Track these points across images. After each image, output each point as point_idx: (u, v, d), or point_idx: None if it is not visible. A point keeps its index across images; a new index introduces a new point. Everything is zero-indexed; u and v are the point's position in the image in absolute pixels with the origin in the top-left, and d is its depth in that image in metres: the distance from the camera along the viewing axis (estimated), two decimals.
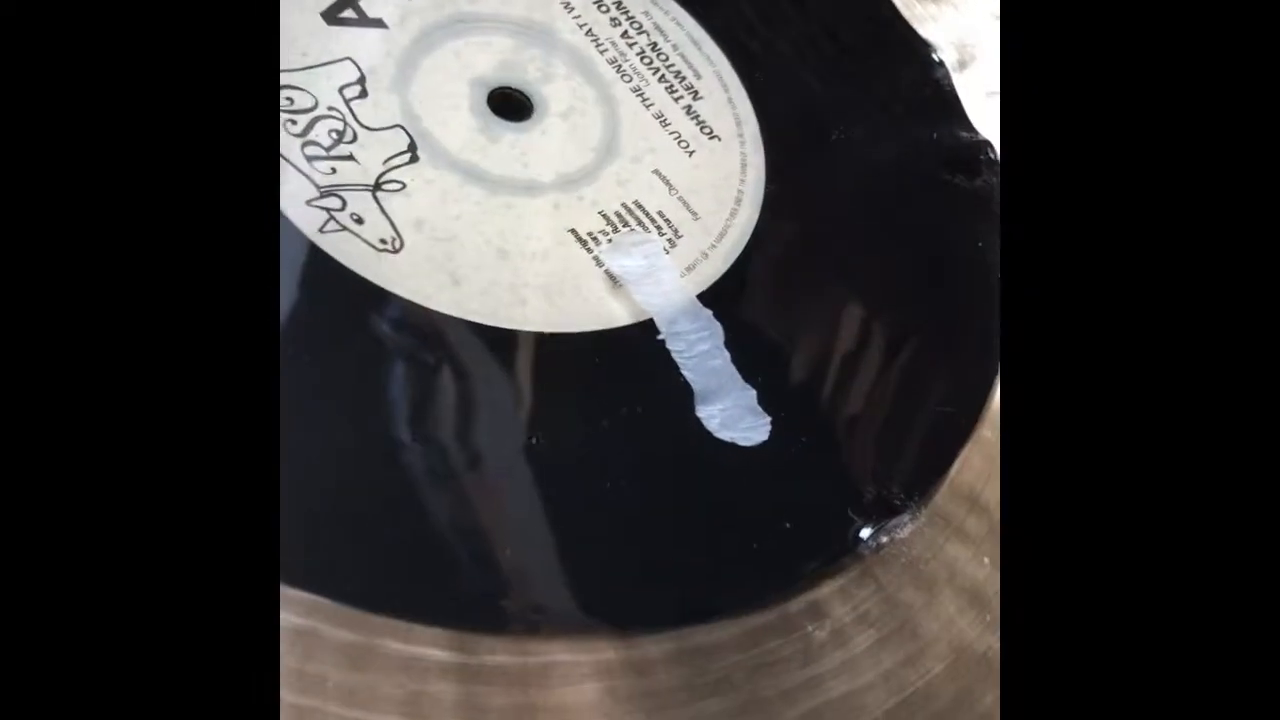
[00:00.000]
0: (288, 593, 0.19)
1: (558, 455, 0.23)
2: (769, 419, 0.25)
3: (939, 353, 0.27)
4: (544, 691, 0.20)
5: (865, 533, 0.24)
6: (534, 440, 0.23)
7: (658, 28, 0.31)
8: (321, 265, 0.24)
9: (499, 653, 0.20)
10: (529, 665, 0.20)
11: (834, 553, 0.24)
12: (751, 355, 0.25)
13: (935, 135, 0.31)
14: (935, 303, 0.28)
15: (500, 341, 0.24)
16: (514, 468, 0.22)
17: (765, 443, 0.24)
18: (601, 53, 0.30)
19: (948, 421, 0.26)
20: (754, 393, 0.25)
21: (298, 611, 0.20)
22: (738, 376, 0.25)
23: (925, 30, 0.33)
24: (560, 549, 0.21)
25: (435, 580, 0.20)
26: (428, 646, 0.20)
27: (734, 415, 0.25)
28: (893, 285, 0.28)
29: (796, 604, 0.23)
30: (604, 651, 0.21)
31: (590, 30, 0.30)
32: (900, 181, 0.30)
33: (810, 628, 0.22)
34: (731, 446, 0.24)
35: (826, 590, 0.23)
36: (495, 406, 0.23)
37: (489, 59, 0.28)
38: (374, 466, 0.21)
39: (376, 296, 0.24)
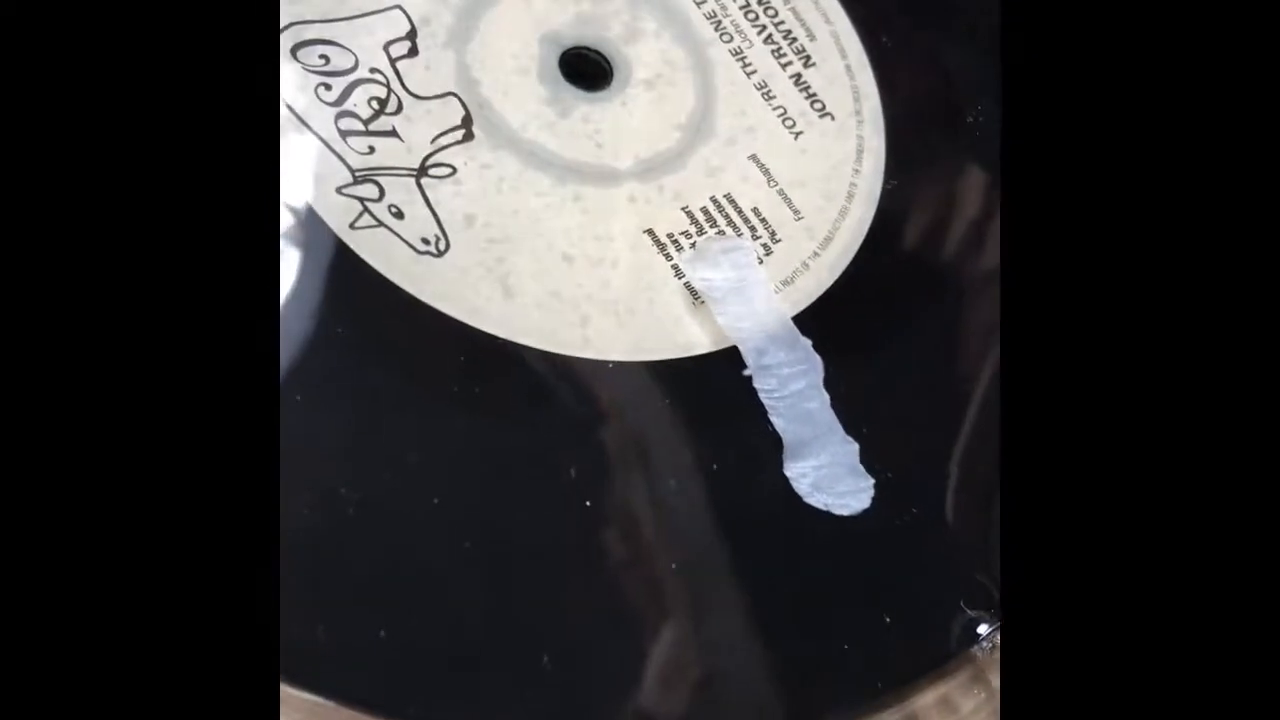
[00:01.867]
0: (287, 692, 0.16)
1: (607, 520, 0.19)
2: (872, 481, 0.20)
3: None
4: None
5: (982, 629, 0.20)
6: (587, 503, 0.19)
7: None
8: (349, 269, 0.20)
9: None
10: None
11: (940, 653, 0.20)
12: (856, 398, 0.21)
13: None
14: None
15: (553, 372, 0.20)
16: (557, 537, 0.19)
17: (866, 511, 0.20)
18: (699, 4, 0.25)
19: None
20: (857, 447, 0.21)
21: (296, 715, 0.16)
22: (838, 426, 0.21)
23: None
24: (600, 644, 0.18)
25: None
26: None
27: (830, 475, 0.20)
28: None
29: (890, 716, 0.19)
30: None
31: None
32: None
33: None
34: (824, 515, 0.20)
35: (927, 700, 0.19)
36: (537, 458, 0.19)
37: (565, 9, 0.24)
38: (386, 539, 0.18)
39: (412, 310, 0.20)
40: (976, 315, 0.23)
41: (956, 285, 0.23)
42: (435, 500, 0.18)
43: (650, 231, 0.22)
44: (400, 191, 0.21)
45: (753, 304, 0.22)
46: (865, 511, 0.20)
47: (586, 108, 0.23)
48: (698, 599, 0.19)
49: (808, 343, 0.21)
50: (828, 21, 0.26)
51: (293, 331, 0.19)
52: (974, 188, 0.25)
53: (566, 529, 0.19)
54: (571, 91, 0.23)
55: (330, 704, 0.16)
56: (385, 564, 0.18)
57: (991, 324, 0.23)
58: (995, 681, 0.20)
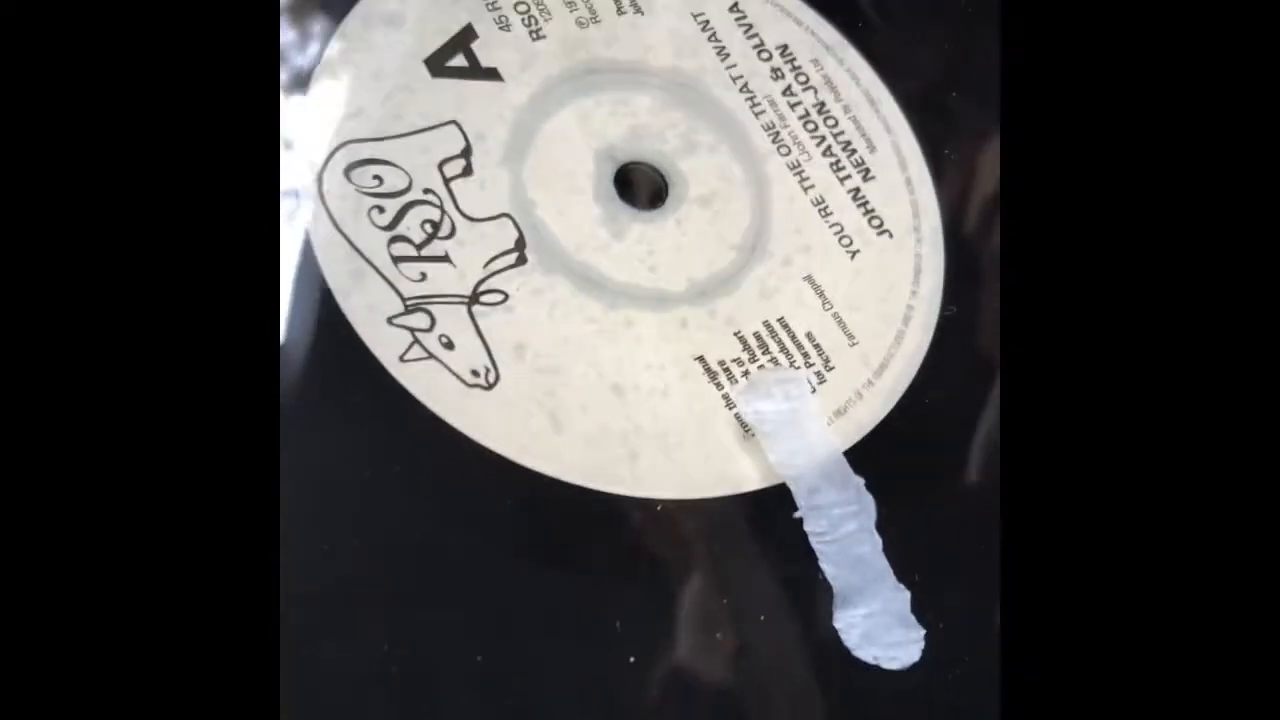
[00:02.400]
0: None
1: (649, 676, 0.19)
2: (923, 632, 0.20)
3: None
4: None
5: None
6: (631, 660, 0.19)
7: (828, 81, 0.25)
8: (397, 406, 0.20)
9: None
10: None
11: None
12: (910, 542, 0.21)
13: None
14: None
15: (602, 514, 0.20)
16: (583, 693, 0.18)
17: (916, 664, 0.20)
18: (758, 114, 0.24)
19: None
20: (908, 595, 0.20)
21: None
22: (889, 572, 0.20)
23: None
24: None
25: None
26: None
27: (881, 625, 0.20)
28: None
29: None
30: None
31: (747, 85, 0.25)
32: None
33: None
34: (872, 669, 0.20)
35: None
36: (583, 606, 0.19)
37: (621, 123, 0.23)
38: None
39: (458, 448, 0.20)
40: None
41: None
42: (479, 658, 0.18)
43: (702, 359, 0.22)
44: (451, 320, 0.21)
45: (805, 438, 0.21)
46: (915, 665, 0.20)
47: (641, 227, 0.23)
48: None
49: (860, 481, 0.21)
50: (889, 131, 0.25)
51: (342, 472, 0.19)
52: None
53: (610, 687, 0.18)
54: (626, 210, 0.23)
55: None
56: None
57: None
58: None
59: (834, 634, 0.20)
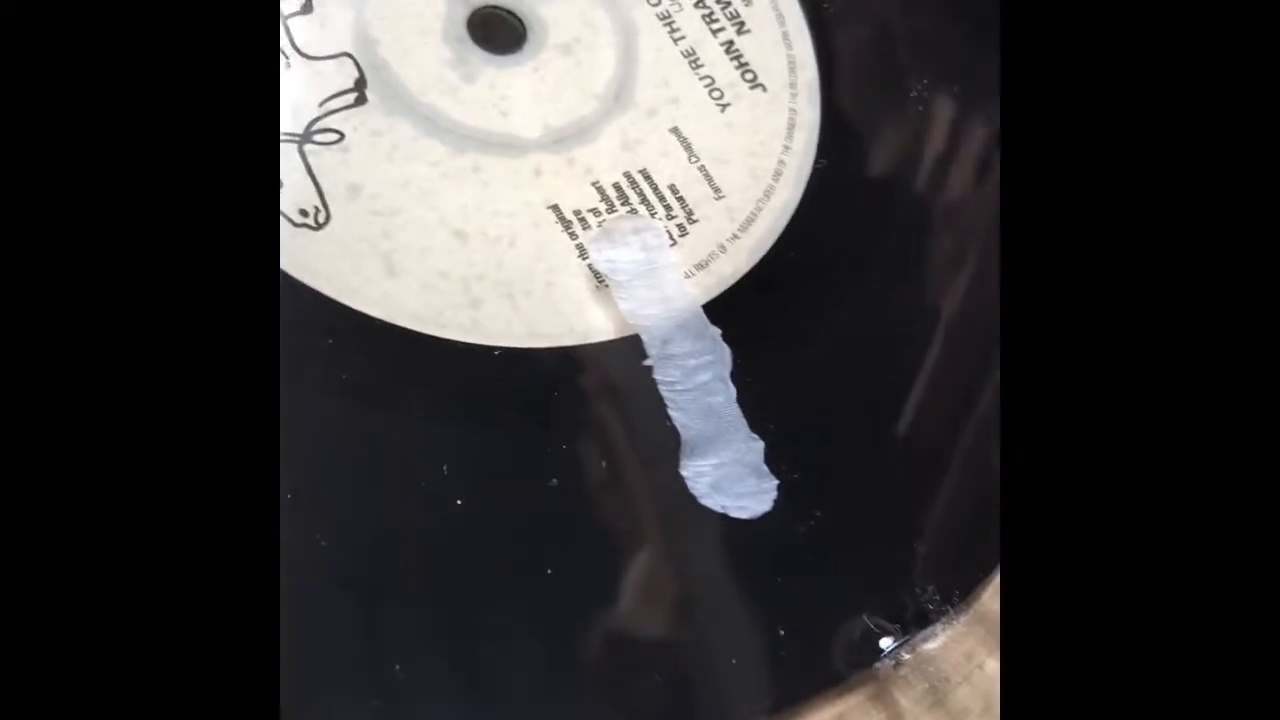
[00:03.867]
0: None
1: (482, 519, 0.18)
2: (776, 483, 0.19)
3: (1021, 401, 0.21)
4: None
5: (885, 643, 0.19)
6: (459, 502, 0.18)
7: None
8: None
9: None
10: None
11: (837, 669, 0.18)
12: (766, 394, 0.20)
13: None
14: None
15: (439, 356, 0.19)
16: (423, 533, 0.17)
17: (767, 515, 0.19)
18: None
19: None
20: (762, 445, 0.19)
21: None
22: (743, 422, 0.19)
23: None
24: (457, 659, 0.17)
25: None
26: None
27: (731, 474, 0.19)
28: (969, 307, 0.22)
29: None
30: None
31: None
32: (988, 168, 0.23)
33: None
34: (720, 519, 0.19)
35: (824, 716, 0.18)
36: (425, 450, 0.18)
37: None
38: None
39: (285, 289, 0.19)
40: (904, 310, 0.21)
41: (882, 277, 0.22)
42: (288, 495, 0.17)
43: (555, 208, 0.21)
44: (281, 157, 0.19)
45: (661, 288, 0.20)
46: (765, 515, 0.19)
47: (495, 72, 0.21)
48: (569, 607, 0.17)
49: (716, 332, 0.20)
50: None
51: None
52: (914, 170, 0.23)
53: (436, 528, 0.17)
54: (479, 54, 0.21)
55: None
56: None
57: (926, 319, 0.21)
58: (903, 700, 0.19)
59: (680, 482, 0.19)
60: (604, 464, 0.19)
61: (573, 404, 0.19)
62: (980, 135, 0.23)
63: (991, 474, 0.20)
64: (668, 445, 0.19)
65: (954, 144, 0.23)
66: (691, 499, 0.19)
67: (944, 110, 0.24)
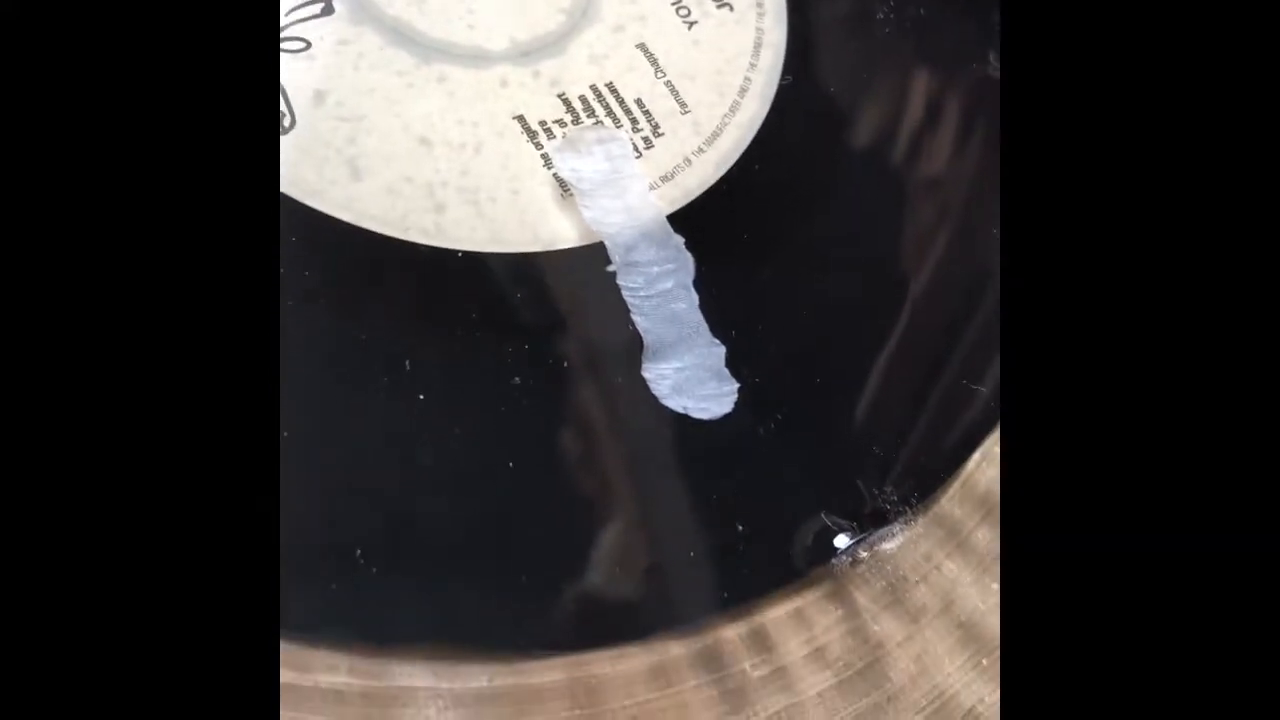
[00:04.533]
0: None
1: (452, 423, 0.18)
2: (737, 386, 0.19)
3: (969, 312, 0.21)
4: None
5: (841, 541, 0.19)
6: (421, 397, 0.18)
7: None
8: None
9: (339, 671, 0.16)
10: (375, 690, 0.16)
11: (794, 565, 0.19)
12: (728, 302, 0.20)
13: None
14: (972, 251, 0.22)
15: (402, 258, 0.19)
16: (388, 433, 0.18)
17: (727, 416, 0.19)
18: None
19: (971, 401, 0.21)
20: (723, 350, 0.20)
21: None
22: (705, 328, 0.20)
23: None
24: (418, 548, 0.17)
25: None
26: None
27: (692, 377, 0.19)
28: (919, 226, 0.22)
29: (734, 629, 0.18)
30: (473, 678, 0.17)
31: None
32: (948, 89, 0.24)
33: (747, 663, 0.18)
34: (681, 419, 0.19)
35: (778, 613, 0.18)
36: (385, 351, 0.18)
37: None
38: None
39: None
40: (867, 227, 0.22)
41: (841, 191, 0.22)
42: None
43: (521, 118, 0.21)
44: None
45: (624, 198, 0.20)
46: (726, 417, 0.19)
47: None
48: (531, 493, 0.18)
49: (680, 240, 0.20)
50: None
51: None
52: (878, 91, 0.23)
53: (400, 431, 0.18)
54: None
55: None
56: None
57: (885, 236, 0.22)
58: (860, 599, 0.19)
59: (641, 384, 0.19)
60: (565, 365, 0.19)
61: (535, 307, 0.19)
62: (946, 50, 0.24)
63: (953, 383, 0.21)
64: (630, 350, 0.19)
65: (920, 60, 0.23)
66: (651, 398, 0.19)
67: (910, 29, 0.24)
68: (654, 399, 0.19)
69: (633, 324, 0.19)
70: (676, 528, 0.18)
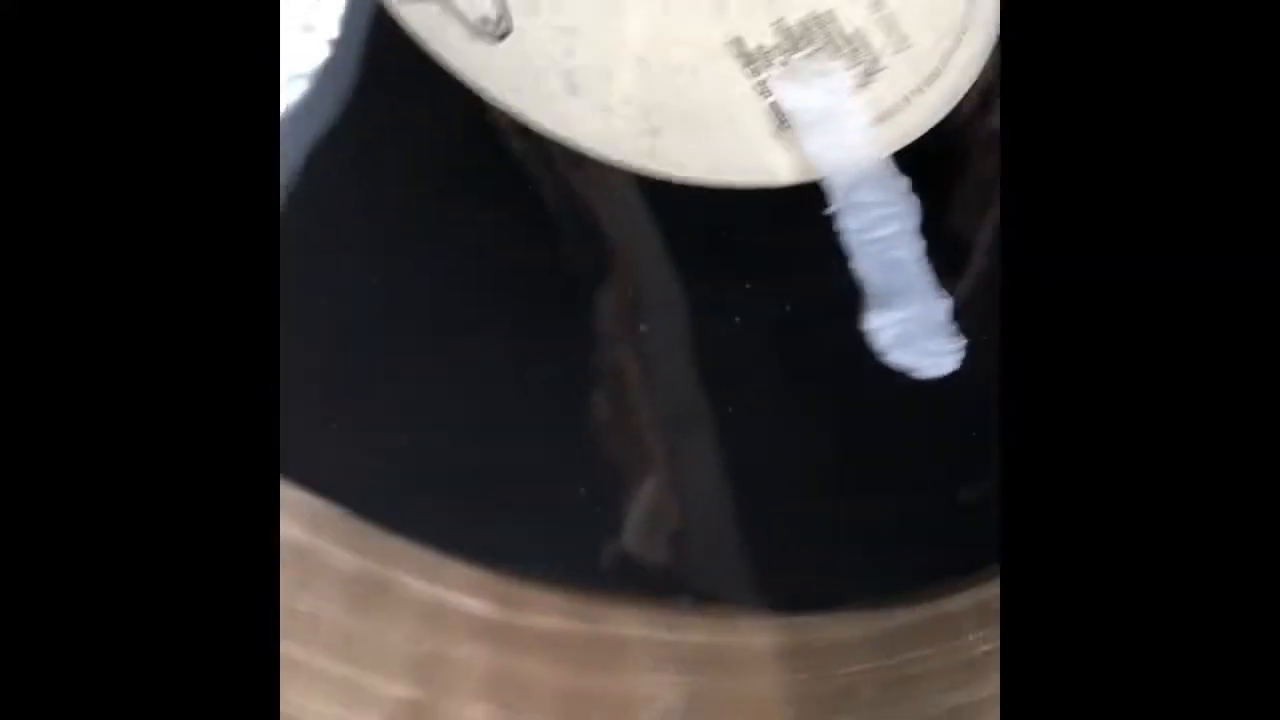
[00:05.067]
0: (288, 494, 0.14)
1: (658, 356, 0.17)
2: (964, 342, 0.18)
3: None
4: (606, 676, 0.15)
5: None
6: (642, 327, 0.17)
7: None
8: (392, 46, 0.17)
9: (552, 614, 0.15)
10: (592, 636, 0.15)
11: (988, 551, 0.17)
12: (954, 254, 0.19)
13: None
14: None
15: (613, 181, 0.18)
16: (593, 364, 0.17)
17: (954, 374, 0.18)
18: None
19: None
20: (949, 303, 0.18)
21: (296, 522, 0.14)
22: (930, 278, 0.18)
23: None
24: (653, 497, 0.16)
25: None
26: (458, 591, 0.15)
27: (916, 331, 0.18)
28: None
29: (957, 601, 0.17)
30: (694, 632, 0.15)
31: None
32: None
33: (972, 635, 0.17)
34: (904, 376, 0.18)
35: (964, 602, 0.17)
36: (590, 274, 0.17)
37: None
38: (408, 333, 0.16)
39: (460, 98, 0.17)
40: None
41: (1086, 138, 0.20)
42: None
43: (738, 41, 0.19)
44: None
45: (844, 134, 0.19)
46: (952, 375, 0.18)
47: None
48: (747, 454, 0.17)
49: (905, 182, 0.19)
50: None
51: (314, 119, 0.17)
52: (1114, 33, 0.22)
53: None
54: None
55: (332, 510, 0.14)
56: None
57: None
58: None
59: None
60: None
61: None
62: None
63: None
64: None
65: None
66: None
67: None
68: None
69: (850, 269, 0.18)
70: (906, 491, 0.17)
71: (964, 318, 0.18)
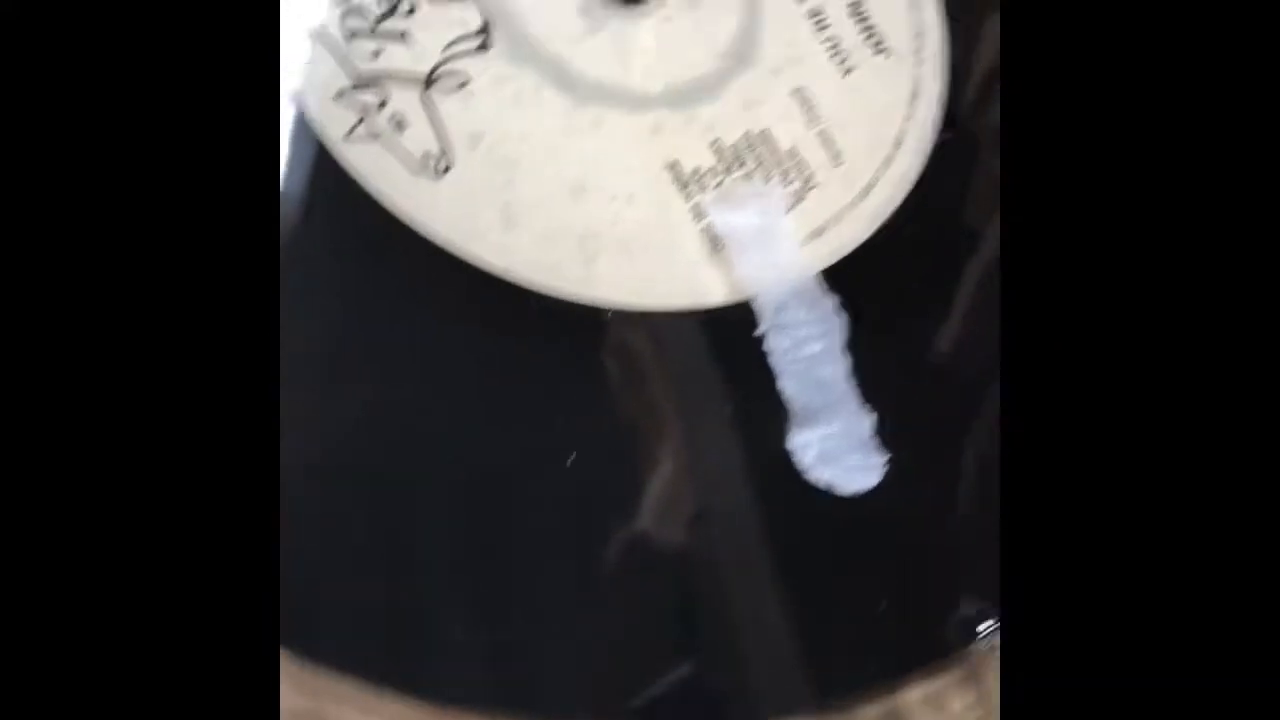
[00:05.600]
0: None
1: (594, 484, 0.18)
2: (884, 458, 0.19)
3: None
4: None
5: (985, 625, 0.19)
6: (568, 463, 0.18)
7: None
8: (335, 185, 0.19)
9: None
10: None
11: (933, 648, 0.18)
12: (878, 368, 0.19)
13: None
14: None
15: (554, 311, 0.19)
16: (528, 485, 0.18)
17: (874, 490, 0.19)
18: None
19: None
20: (870, 420, 0.19)
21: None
22: (853, 395, 0.19)
23: None
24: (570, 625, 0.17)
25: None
26: None
27: (838, 447, 0.19)
28: None
29: (869, 712, 0.18)
30: None
31: None
32: None
33: None
34: (825, 492, 0.19)
35: (913, 697, 0.18)
36: (525, 399, 0.18)
37: None
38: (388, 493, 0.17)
39: (402, 235, 0.19)
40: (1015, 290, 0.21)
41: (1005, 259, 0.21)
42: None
43: (674, 166, 0.20)
44: (405, 101, 0.19)
45: (776, 254, 0.20)
46: (872, 491, 0.19)
47: (620, 24, 0.21)
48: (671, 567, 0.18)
49: (831, 302, 0.20)
50: None
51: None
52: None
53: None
54: (606, 4, 0.21)
55: None
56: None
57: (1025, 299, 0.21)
58: (990, 682, 0.19)
59: (783, 458, 0.19)
60: None
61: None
62: None
63: None
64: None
65: None
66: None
67: None
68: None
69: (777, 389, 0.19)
70: (823, 604, 0.18)
71: (886, 434, 0.19)
